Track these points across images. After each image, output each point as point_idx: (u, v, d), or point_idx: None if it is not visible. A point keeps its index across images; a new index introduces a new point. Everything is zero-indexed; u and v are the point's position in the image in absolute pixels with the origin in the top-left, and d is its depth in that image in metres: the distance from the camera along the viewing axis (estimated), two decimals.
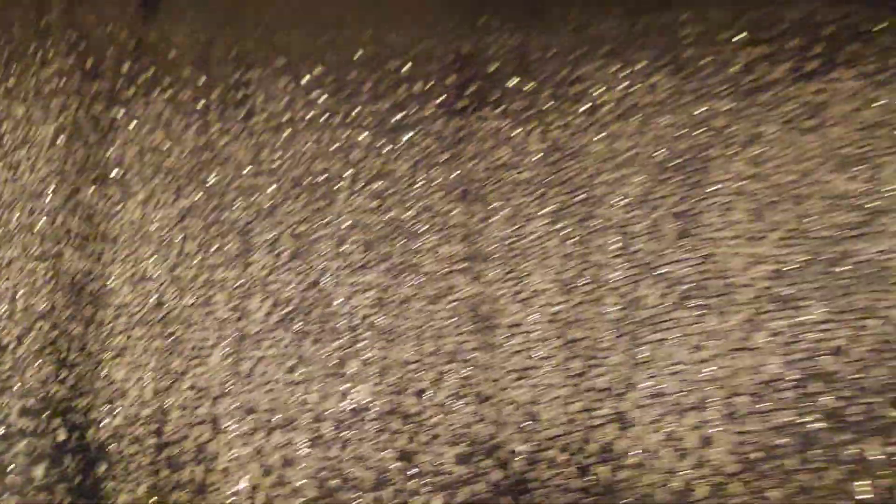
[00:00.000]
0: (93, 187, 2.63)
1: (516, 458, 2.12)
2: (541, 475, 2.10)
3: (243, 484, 2.13)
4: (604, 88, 2.74)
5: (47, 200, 2.60)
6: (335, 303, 2.35)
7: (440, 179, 2.60)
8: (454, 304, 2.36)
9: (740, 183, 2.44)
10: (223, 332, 2.36)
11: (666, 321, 2.24)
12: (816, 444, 2.01)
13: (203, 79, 2.82)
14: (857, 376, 2.07)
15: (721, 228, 2.36)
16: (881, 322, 2.14)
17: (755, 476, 2.00)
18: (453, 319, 2.33)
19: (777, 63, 2.70)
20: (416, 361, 2.27)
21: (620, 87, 2.74)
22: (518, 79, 2.82)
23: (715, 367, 2.13)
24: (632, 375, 2.18)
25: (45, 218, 2.59)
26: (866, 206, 2.36)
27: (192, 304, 2.43)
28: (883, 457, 1.97)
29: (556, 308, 2.32)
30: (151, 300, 2.45)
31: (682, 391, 2.12)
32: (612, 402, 2.15)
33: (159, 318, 2.42)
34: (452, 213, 2.54)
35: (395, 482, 2.11)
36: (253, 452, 2.17)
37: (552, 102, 2.75)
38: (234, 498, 2.13)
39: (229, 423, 2.24)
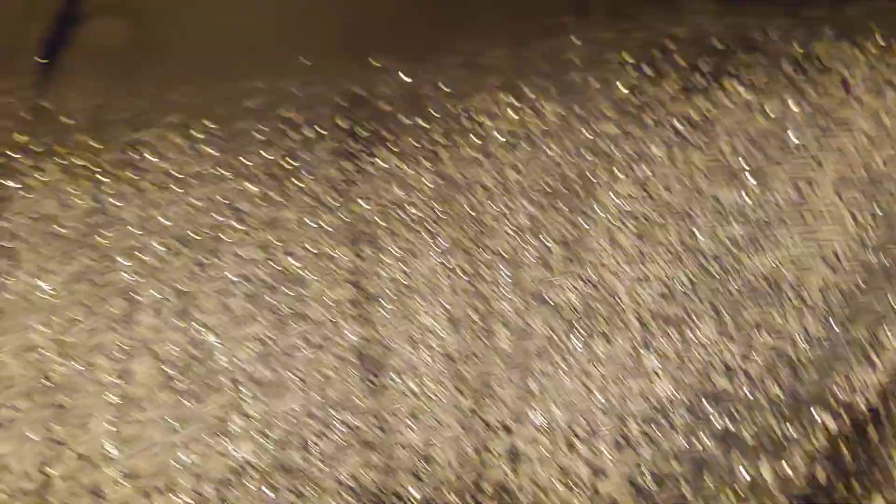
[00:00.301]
0: None
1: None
2: None
3: None
4: (493, 120, 2.65)
5: None
6: (218, 359, 2.22)
7: (328, 226, 2.48)
8: (341, 350, 2.24)
9: (626, 205, 2.34)
10: (107, 397, 2.22)
11: (555, 350, 2.12)
12: (711, 468, 1.89)
13: (95, 144, 2.73)
14: (749, 395, 1.95)
15: (608, 253, 2.26)
16: (773, 336, 2.03)
17: None
18: (340, 366, 2.21)
19: (664, 81, 2.61)
20: (301, 413, 2.13)
21: (509, 116, 2.65)
22: (409, 117, 2.72)
23: (605, 395, 2.01)
24: (523, 409, 2.05)
25: None
26: (756, 219, 2.25)
27: (77, 370, 2.29)
28: (777, 478, 1.85)
29: (447, 345, 2.21)
30: (36, 370, 2.30)
31: (572, 422, 1.99)
32: (504, 438, 2.02)
33: (43, 388, 2.28)
34: (341, 258, 2.42)
35: None
36: None
37: (442, 140, 2.65)
38: None
39: (109, 491, 2.09)
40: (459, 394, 2.13)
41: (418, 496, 2.02)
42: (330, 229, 2.50)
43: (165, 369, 2.26)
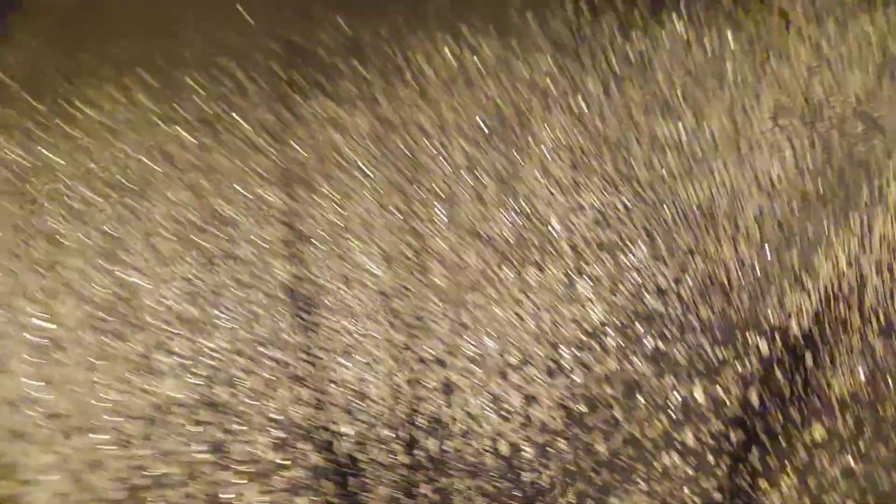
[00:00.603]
0: None
1: (342, 440, 1.87)
2: (369, 454, 1.86)
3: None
4: (431, 62, 2.55)
5: None
6: (144, 299, 2.11)
7: (261, 168, 2.37)
8: (270, 288, 2.13)
9: (561, 138, 2.25)
10: (29, 339, 2.10)
11: (487, 283, 2.02)
12: (643, 389, 1.79)
13: (29, 97, 2.62)
14: (681, 316, 1.85)
15: (541, 184, 2.16)
16: (707, 262, 1.93)
17: (582, 431, 1.77)
18: (269, 304, 2.11)
19: (602, 17, 2.51)
20: (229, 350, 2.02)
21: (447, 59, 2.55)
22: (349, 64, 2.61)
23: (538, 323, 1.91)
24: (456, 342, 1.95)
25: None
26: (691, 150, 2.16)
27: None
28: (710, 400, 1.75)
29: (381, 283, 2.12)
30: None
31: (504, 352, 1.89)
32: (437, 371, 1.92)
33: None
34: (273, 199, 2.32)
35: (207, 474, 1.84)
36: (59, 459, 1.90)
37: (381, 82, 2.54)
38: None
39: (31, 432, 1.97)
40: (393, 329, 2.03)
41: (351, 431, 1.92)
42: (262, 172, 2.41)
43: (90, 310, 2.17)
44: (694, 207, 2.04)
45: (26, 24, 2.87)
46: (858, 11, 2.31)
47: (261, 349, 2.05)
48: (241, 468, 1.89)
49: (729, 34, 2.38)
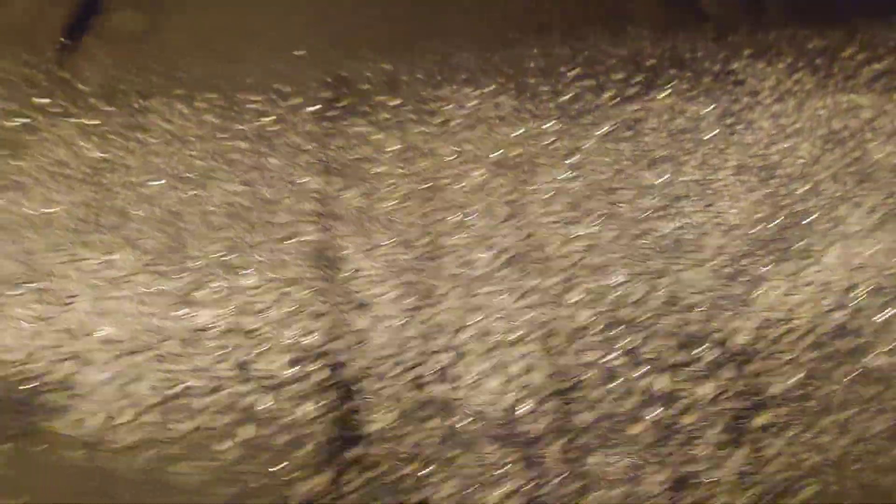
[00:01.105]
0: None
1: (346, 367, 2.10)
2: (371, 386, 2.08)
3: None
4: (457, 106, 2.84)
5: None
6: (191, 249, 2.38)
7: (304, 163, 2.67)
8: (300, 244, 2.40)
9: (562, 183, 2.54)
10: (90, 281, 2.32)
11: (495, 278, 2.27)
12: (616, 377, 2.04)
13: (107, 108, 2.89)
14: (651, 323, 2.12)
15: (543, 215, 2.46)
16: (672, 281, 2.21)
17: (565, 401, 2.02)
18: (297, 255, 2.37)
19: (602, 91, 2.83)
20: (259, 289, 2.28)
21: (471, 104, 2.84)
22: (386, 96, 2.90)
23: (534, 314, 2.17)
24: (464, 317, 2.20)
25: None
26: (668, 194, 2.46)
27: (63, 262, 2.39)
28: (669, 390, 2.01)
29: (397, 259, 2.37)
30: (26, 266, 2.40)
31: (508, 331, 2.14)
32: (445, 337, 2.16)
33: (30, 278, 2.37)
34: (311, 183, 2.60)
35: (230, 387, 2.08)
36: (109, 376, 2.11)
37: (412, 115, 2.83)
38: None
39: (89, 357, 2.17)
40: (406, 296, 2.27)
41: (356, 364, 2.12)
42: (304, 165, 2.67)
43: (145, 258, 2.38)
44: (666, 238, 2.34)
45: (100, 46, 3.13)
46: (814, 93, 2.69)
47: (286, 289, 2.27)
48: (259, 382, 2.11)
49: (706, 107, 2.72)
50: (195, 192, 2.59)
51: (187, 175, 2.65)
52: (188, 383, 2.12)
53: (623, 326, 2.13)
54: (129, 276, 2.35)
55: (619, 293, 2.22)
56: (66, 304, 2.33)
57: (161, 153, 2.73)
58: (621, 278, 2.24)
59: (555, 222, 2.41)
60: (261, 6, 3.25)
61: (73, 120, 2.88)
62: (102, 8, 3.26)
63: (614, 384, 2.05)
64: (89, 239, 2.47)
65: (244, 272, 2.33)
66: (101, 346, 2.22)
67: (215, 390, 2.11)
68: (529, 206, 2.46)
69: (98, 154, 2.76)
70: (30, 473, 2.00)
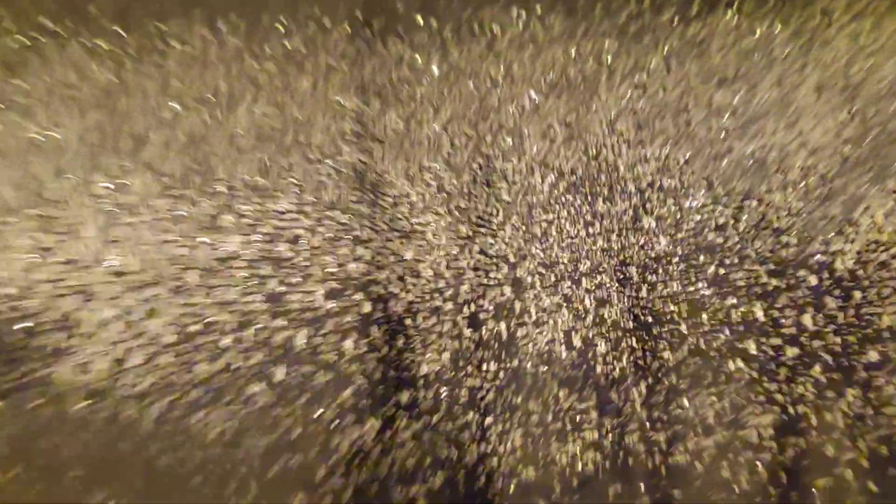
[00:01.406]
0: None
1: (392, 301, 1.75)
2: (421, 323, 1.73)
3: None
4: (502, 26, 2.49)
5: None
6: (217, 173, 2.00)
7: (339, 83, 2.28)
8: (339, 165, 2.03)
9: (626, 103, 2.19)
10: (100, 205, 1.98)
11: (557, 204, 1.93)
12: (706, 308, 1.72)
13: (120, 31, 2.50)
14: (739, 247, 1.79)
15: (607, 136, 2.09)
16: (759, 203, 1.88)
17: (649, 337, 1.70)
18: (336, 176, 2.00)
19: (661, 10, 2.48)
20: (294, 212, 1.91)
21: (518, 25, 2.49)
22: (423, 16, 2.55)
23: (608, 243, 1.83)
24: (526, 247, 1.85)
25: None
26: (744, 114, 2.12)
27: (72, 187, 2.04)
28: (768, 319, 1.69)
29: (445, 184, 2.01)
30: (30, 193, 2.05)
31: (576, 261, 1.80)
32: (504, 267, 1.82)
33: (34, 203, 2.02)
34: (348, 104, 2.22)
35: (260, 322, 1.72)
36: (120, 311, 1.77)
37: (453, 36, 2.47)
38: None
39: (98, 290, 1.83)
40: (458, 222, 1.92)
41: (404, 297, 1.79)
42: (339, 85, 2.29)
43: (165, 181, 2.02)
44: (748, 158, 2.01)
45: None
46: (892, 11, 2.34)
47: (326, 212, 1.91)
48: (294, 316, 1.77)
49: (777, 23, 2.37)
50: (220, 115, 2.26)
51: (211, 98, 2.31)
52: (211, 318, 1.79)
53: (707, 253, 1.81)
54: (145, 201, 2.00)
55: (700, 217, 1.90)
56: (70, 232, 2.00)
57: (181, 77, 2.35)
58: (701, 201, 1.92)
59: (621, 143, 2.09)
60: None
61: (83, 41, 2.58)
62: None
63: (702, 317, 1.73)
64: (101, 163, 2.12)
65: (277, 194, 1.99)
66: (110, 277, 1.87)
67: (244, 325, 1.77)
68: (591, 127, 2.13)
69: (112, 77, 2.42)
70: (25, 436, 1.64)
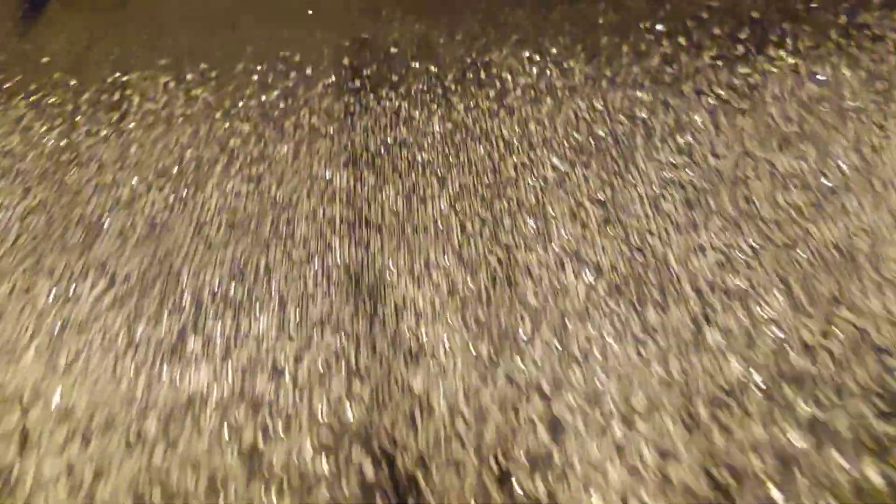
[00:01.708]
0: None
1: (404, 453, 1.32)
2: (436, 483, 1.30)
3: None
4: (512, 74, 2.03)
5: None
6: (183, 278, 1.53)
7: (323, 150, 1.82)
8: (331, 266, 1.57)
9: (669, 173, 1.72)
10: (47, 322, 1.52)
11: (598, 312, 1.49)
12: (801, 465, 1.28)
13: (74, 83, 2.04)
14: (836, 378, 1.34)
15: (651, 219, 1.63)
16: (854, 314, 1.43)
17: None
18: (326, 282, 1.53)
19: (699, 50, 2.03)
20: (276, 334, 1.45)
21: (530, 72, 2.04)
22: (420, 62, 2.09)
23: (665, 368, 1.38)
24: (561, 371, 1.41)
25: None
26: (818, 186, 1.67)
27: (8, 295, 1.58)
28: (885, 484, 1.25)
29: (459, 287, 1.53)
30: None
31: (628, 394, 1.36)
32: (537, 401, 1.38)
33: None
34: (336, 180, 1.76)
35: (236, 485, 1.28)
36: (66, 466, 1.32)
37: (457, 86, 2.01)
38: None
39: (39, 430, 1.39)
40: (477, 339, 1.48)
41: (414, 447, 1.36)
42: (327, 155, 1.81)
43: (121, 290, 1.54)
44: (831, 248, 1.57)
45: (68, 11, 2.29)
46: None
47: (314, 333, 1.46)
48: (276, 480, 1.32)
49: (842, 66, 1.93)
50: (185, 193, 1.79)
51: (174, 170, 1.86)
52: (173, 481, 1.35)
53: (794, 385, 1.37)
54: (97, 315, 1.52)
55: (779, 332, 1.46)
56: (6, 356, 1.56)
57: (142, 141, 1.87)
58: (778, 309, 1.48)
59: (668, 227, 1.64)
60: None
61: (31, 99, 2.11)
62: None
63: (797, 479, 1.29)
64: (46, 261, 1.66)
65: (254, 309, 1.50)
66: (56, 419, 1.44)
67: (212, 490, 1.34)
68: (630, 206, 1.69)
69: (61, 142, 1.95)
70: None
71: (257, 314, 1.45)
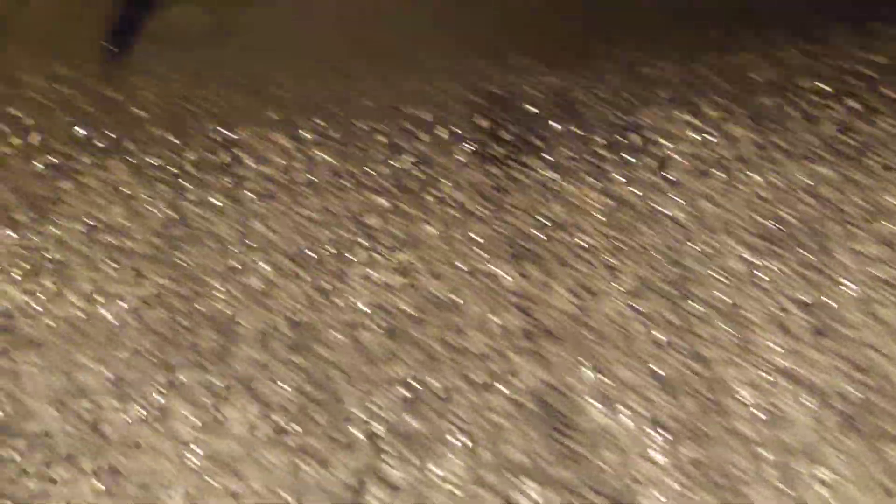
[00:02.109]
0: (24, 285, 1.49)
1: None
2: None
3: None
4: (671, 139, 1.75)
5: None
6: (348, 405, 1.26)
7: (480, 237, 1.53)
8: (515, 392, 1.29)
9: (874, 269, 1.43)
10: (187, 460, 1.26)
11: (833, 449, 1.22)
12: None
13: (175, 140, 1.72)
14: None
15: (870, 329, 1.33)
16: None
17: None
18: (516, 412, 1.26)
19: (874, 116, 1.75)
20: (466, 479, 1.18)
21: (690, 138, 1.76)
22: (562, 123, 1.81)
23: None
24: None
25: None
26: None
27: (141, 420, 1.31)
28: None
29: (660, 411, 1.28)
30: (82, 422, 1.32)
31: None
32: None
33: (95, 447, 1.30)
34: (503, 278, 1.47)
35: None
36: None
37: (609, 153, 1.73)
38: None
39: None
40: (693, 486, 1.20)
41: None
42: (483, 243, 1.51)
43: (272, 417, 1.29)
44: None
45: (155, 50, 1.89)
46: None
47: (513, 480, 1.21)
48: None
49: None
50: (325, 283, 1.43)
51: (310, 255, 1.51)
52: None
53: None
54: (250, 451, 1.21)
55: None
56: (146, 489, 1.27)
57: (264, 215, 1.57)
58: None
59: (893, 344, 1.37)
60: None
61: (127, 159, 1.72)
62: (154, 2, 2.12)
63: None
64: (180, 375, 1.32)
65: (437, 447, 1.20)
66: None
67: None
68: (840, 312, 1.39)
69: (169, 212, 1.68)
70: None
71: (441, 453, 1.18)
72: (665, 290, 1.42)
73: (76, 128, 1.75)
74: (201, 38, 2.01)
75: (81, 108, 1.81)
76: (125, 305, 1.44)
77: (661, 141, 1.71)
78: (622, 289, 1.43)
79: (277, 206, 1.63)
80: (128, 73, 1.94)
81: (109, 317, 1.41)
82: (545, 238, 1.53)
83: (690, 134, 1.71)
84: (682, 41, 1.89)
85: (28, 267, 1.49)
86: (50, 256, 1.51)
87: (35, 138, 1.70)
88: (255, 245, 1.54)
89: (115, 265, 1.52)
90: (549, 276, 1.44)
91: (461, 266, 1.46)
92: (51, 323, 1.38)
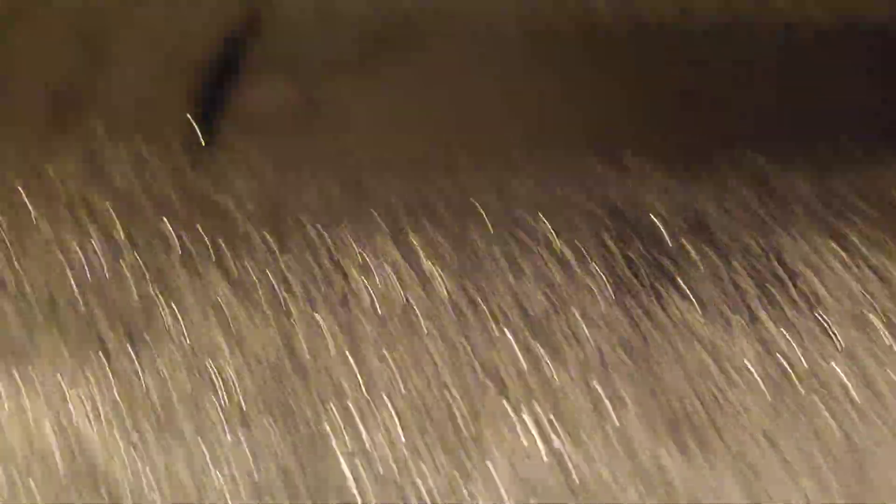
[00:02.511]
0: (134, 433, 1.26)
1: None
2: None
3: None
4: (819, 275, 1.52)
5: None
6: None
7: (631, 401, 1.32)
8: None
9: None
10: None
11: None
12: None
13: (271, 240, 1.49)
14: None
15: None
16: None
17: None
18: None
19: None
20: None
21: (837, 272, 1.53)
22: (694, 244, 1.58)
23: None
24: None
25: None
26: None
27: None
28: None
29: None
30: None
31: None
32: None
33: None
34: (655, 453, 1.25)
35: None
36: None
37: (752, 287, 1.50)
38: None
39: None
40: None
41: None
42: (635, 409, 1.26)
43: None
44: None
45: (241, 132, 1.65)
46: None
47: None
48: None
49: None
50: (467, 461, 1.19)
51: (446, 417, 1.23)
52: None
53: None
54: None
55: None
56: None
57: (381, 352, 1.32)
58: None
59: None
60: (462, 85, 1.84)
61: (225, 267, 1.46)
62: (240, 70, 1.86)
63: None
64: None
65: None
66: None
67: None
68: None
69: (278, 347, 1.36)
70: None
71: None
72: (853, 491, 1.20)
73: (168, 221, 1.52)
74: (289, 118, 1.78)
75: (174, 206, 1.58)
76: (227, 470, 1.22)
77: (808, 275, 1.47)
78: (796, 495, 1.20)
79: (393, 341, 1.38)
80: (215, 158, 1.71)
81: None
82: (697, 398, 1.30)
83: (838, 267, 1.49)
84: (813, 154, 1.66)
85: None
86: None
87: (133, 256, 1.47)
88: (373, 391, 1.31)
89: (221, 400, 1.31)
90: (708, 459, 1.21)
91: (610, 433, 1.24)
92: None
